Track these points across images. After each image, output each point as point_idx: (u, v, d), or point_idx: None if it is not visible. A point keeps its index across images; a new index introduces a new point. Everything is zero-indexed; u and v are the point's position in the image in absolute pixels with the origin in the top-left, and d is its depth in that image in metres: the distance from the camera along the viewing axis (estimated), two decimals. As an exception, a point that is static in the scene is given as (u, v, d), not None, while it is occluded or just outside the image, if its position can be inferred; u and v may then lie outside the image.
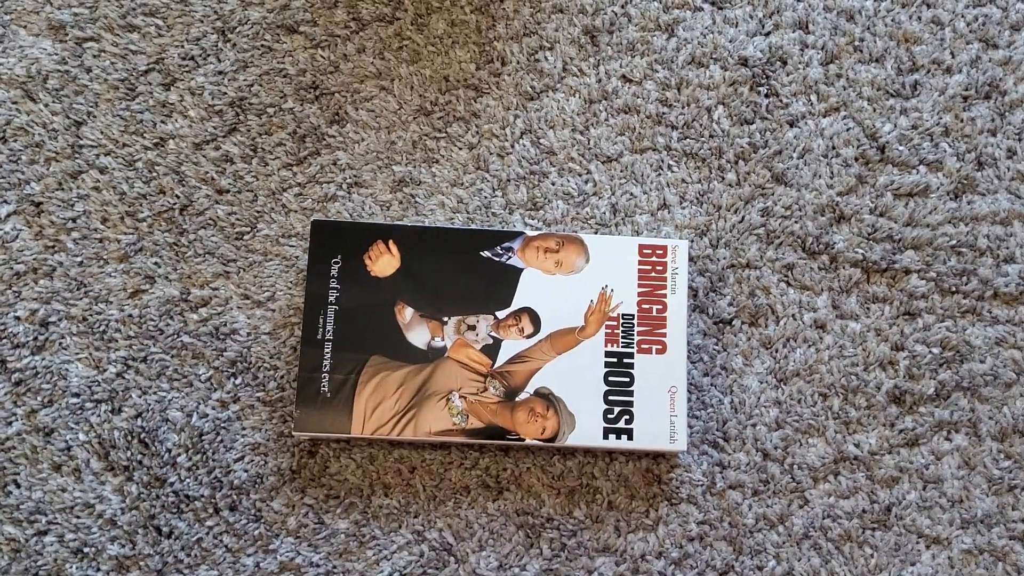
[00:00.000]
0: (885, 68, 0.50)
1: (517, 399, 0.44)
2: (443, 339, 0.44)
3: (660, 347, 0.45)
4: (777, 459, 0.46)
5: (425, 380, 0.44)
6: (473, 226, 0.48)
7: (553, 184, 0.49)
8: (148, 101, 0.50)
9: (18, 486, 0.46)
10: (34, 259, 0.48)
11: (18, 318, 0.47)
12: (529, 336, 0.45)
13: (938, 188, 0.49)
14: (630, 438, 0.44)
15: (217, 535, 0.46)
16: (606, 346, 0.44)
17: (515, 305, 0.45)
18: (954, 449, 0.46)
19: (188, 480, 0.46)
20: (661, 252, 0.46)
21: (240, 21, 0.50)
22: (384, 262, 0.45)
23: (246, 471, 0.46)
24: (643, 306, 0.45)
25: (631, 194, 0.49)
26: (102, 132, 0.49)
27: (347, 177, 0.49)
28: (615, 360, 0.44)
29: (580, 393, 0.44)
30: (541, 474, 0.46)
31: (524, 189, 0.49)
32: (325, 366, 0.44)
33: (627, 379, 0.44)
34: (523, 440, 0.43)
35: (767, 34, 0.50)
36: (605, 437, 0.44)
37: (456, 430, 0.43)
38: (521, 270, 0.45)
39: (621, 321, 0.45)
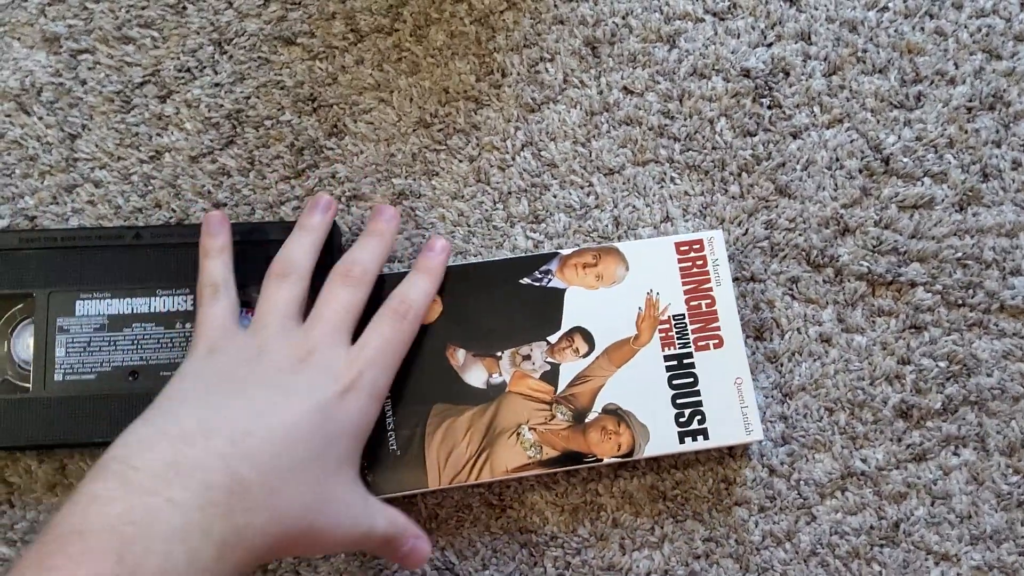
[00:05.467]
0: (888, 79, 0.49)
1: (586, 420, 0.43)
2: (500, 374, 0.43)
3: (717, 341, 0.44)
4: (783, 475, 0.46)
5: (492, 419, 0.43)
6: (503, 255, 0.48)
7: (555, 197, 0.48)
8: (144, 114, 0.49)
9: (12, 506, 0.45)
10: (27, 274, 0.47)
11: (11, 335, 0.46)
12: (585, 355, 0.44)
13: (943, 200, 0.48)
14: (706, 438, 0.43)
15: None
16: (663, 350, 0.44)
17: (565, 326, 0.44)
18: (962, 464, 0.46)
19: (185, 500, 0.45)
20: (698, 246, 0.45)
21: (237, 33, 0.50)
22: (431, 308, 0.44)
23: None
24: (691, 304, 0.44)
25: (633, 207, 0.48)
26: (97, 145, 0.49)
27: (346, 190, 0.49)
28: (675, 363, 0.44)
29: (648, 402, 0.43)
30: (544, 492, 0.46)
31: (525, 202, 0.48)
32: (389, 424, 0.43)
33: (691, 379, 0.43)
34: (601, 460, 0.42)
35: (769, 45, 0.50)
36: (681, 441, 0.43)
37: (533, 463, 0.42)
38: (564, 290, 0.44)
39: (673, 323, 0.44)
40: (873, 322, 0.47)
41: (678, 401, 0.43)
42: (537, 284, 0.44)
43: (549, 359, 0.43)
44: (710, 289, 0.44)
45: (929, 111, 0.49)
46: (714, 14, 0.50)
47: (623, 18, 0.50)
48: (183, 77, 0.50)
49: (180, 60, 0.50)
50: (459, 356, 0.44)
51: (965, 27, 0.50)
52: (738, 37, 0.50)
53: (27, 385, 0.43)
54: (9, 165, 0.48)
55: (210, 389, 0.37)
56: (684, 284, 0.45)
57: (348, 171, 0.49)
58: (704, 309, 0.44)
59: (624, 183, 0.49)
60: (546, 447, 0.42)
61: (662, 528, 0.45)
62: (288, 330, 0.40)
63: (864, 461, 0.46)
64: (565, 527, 0.45)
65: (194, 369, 0.39)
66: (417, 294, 0.43)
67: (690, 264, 0.45)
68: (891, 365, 0.47)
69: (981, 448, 0.46)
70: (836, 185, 0.48)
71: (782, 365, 0.47)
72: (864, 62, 0.50)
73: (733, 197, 0.49)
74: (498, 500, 0.45)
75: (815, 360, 0.47)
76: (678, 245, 0.45)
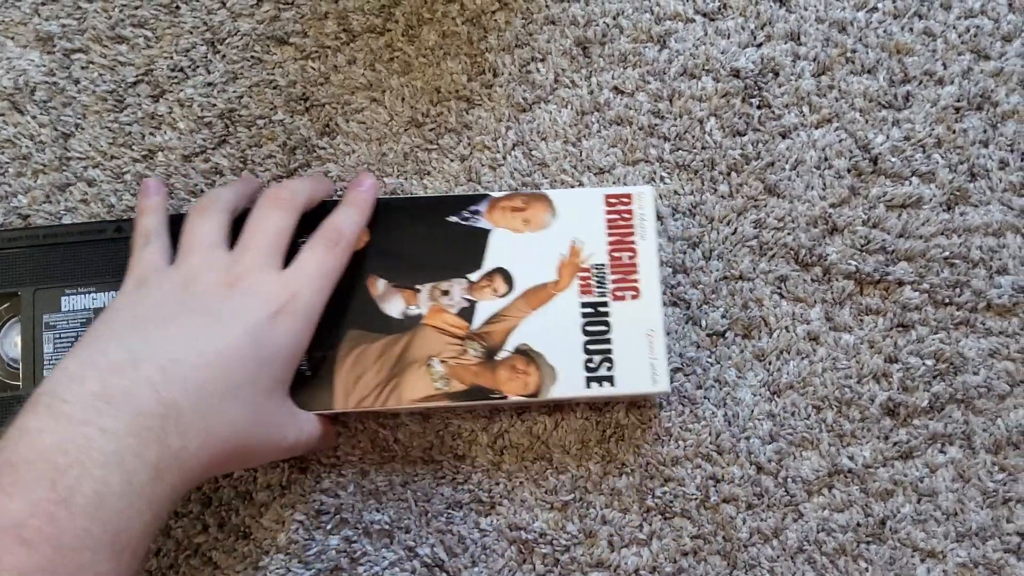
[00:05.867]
0: (877, 79, 0.50)
1: (497, 358, 0.43)
2: (418, 307, 0.44)
3: (634, 293, 0.44)
4: (771, 472, 0.46)
5: (404, 349, 0.43)
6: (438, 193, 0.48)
7: (545, 196, 0.49)
8: (137, 113, 0.49)
9: (4, 503, 0.46)
10: (21, 273, 0.47)
11: (5, 332, 0.47)
12: (503, 295, 0.44)
13: (931, 199, 0.49)
14: (612, 384, 0.43)
15: (205, 552, 0.45)
16: (581, 297, 0.44)
17: (486, 266, 0.44)
18: (948, 462, 0.46)
19: (177, 496, 0.45)
20: (627, 200, 0.45)
21: (230, 32, 0.50)
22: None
23: (235, 487, 0.46)
24: (614, 254, 0.45)
25: (623, 206, 0.49)
26: (90, 144, 0.49)
27: (338, 189, 0.49)
28: (591, 310, 0.44)
29: (559, 346, 0.44)
30: (534, 488, 0.46)
31: (516, 201, 0.49)
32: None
33: (604, 327, 0.44)
34: (506, 398, 0.43)
35: (759, 45, 0.50)
36: (588, 386, 0.43)
37: (439, 395, 0.43)
38: (489, 231, 0.45)
39: (593, 271, 0.45)
40: (861, 320, 0.48)
41: (589, 347, 0.44)
42: (464, 223, 0.45)
43: (467, 296, 0.44)
44: (634, 243, 0.45)
45: (917, 111, 0.49)
46: (704, 14, 0.51)
47: (614, 18, 0.50)
48: (176, 76, 0.50)
49: (173, 59, 0.50)
50: (379, 286, 0.44)
51: (954, 28, 0.50)
52: (728, 37, 0.50)
53: (17, 383, 0.44)
54: (2, 164, 0.49)
55: (138, 320, 0.37)
56: (609, 235, 0.45)
57: (340, 170, 0.49)
58: (625, 261, 0.45)
59: (614, 183, 0.49)
60: (454, 380, 0.43)
61: (650, 525, 0.46)
62: (215, 257, 0.40)
63: (851, 459, 0.46)
64: (554, 524, 0.46)
65: (122, 303, 0.39)
66: (348, 224, 0.43)
67: (617, 216, 0.45)
68: (878, 363, 0.47)
69: (967, 446, 0.46)
70: (825, 184, 0.49)
71: (770, 363, 0.47)
72: (853, 62, 0.50)
73: (722, 196, 0.49)
74: (488, 496, 0.46)
75: (803, 358, 0.47)
76: (607, 197, 0.46)
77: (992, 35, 0.50)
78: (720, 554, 0.45)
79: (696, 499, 0.46)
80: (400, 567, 0.45)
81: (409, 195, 0.48)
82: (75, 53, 0.50)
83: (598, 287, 0.44)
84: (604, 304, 0.44)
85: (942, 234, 0.48)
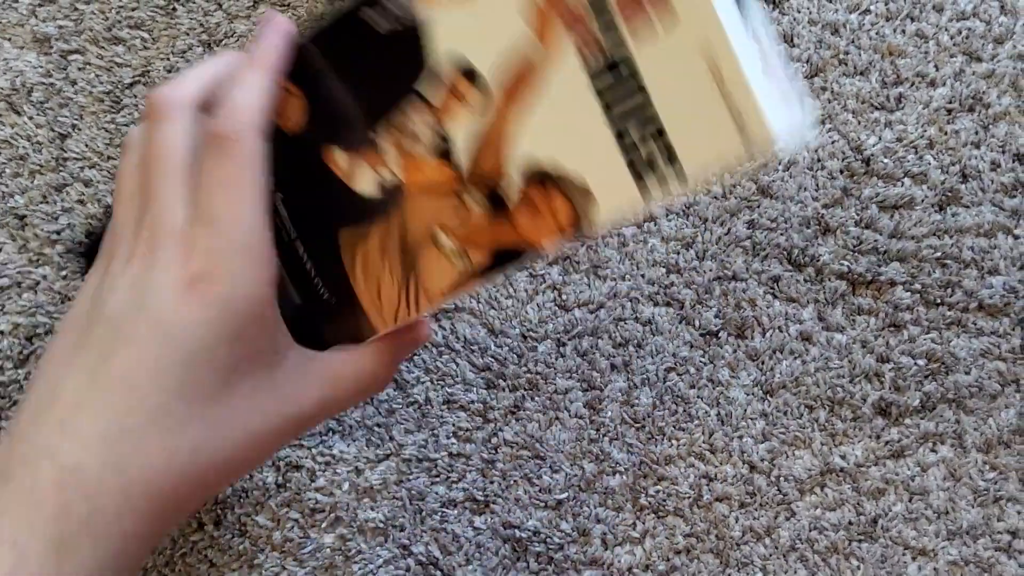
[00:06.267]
0: (870, 81, 0.50)
1: (507, 203, 0.30)
2: (389, 168, 0.32)
3: (664, 19, 0.26)
4: (764, 471, 0.46)
5: (402, 232, 0.32)
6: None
7: (539, 196, 0.49)
8: (133, 114, 0.50)
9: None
10: (18, 272, 0.48)
11: (2, 332, 0.47)
12: (480, 105, 0.30)
13: (923, 200, 0.49)
14: (678, 165, 0.27)
15: (201, 550, 0.45)
16: (583, 59, 0.27)
17: (439, 72, 0.30)
18: (940, 461, 0.47)
19: (172, 495, 0.46)
20: None
21: (226, 34, 0.50)
22: (293, 107, 0.33)
23: (231, 485, 0.46)
24: None
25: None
26: (87, 145, 0.49)
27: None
28: (606, 73, 0.27)
29: (579, 147, 0.28)
30: (528, 486, 0.46)
31: (510, 202, 0.49)
32: (311, 269, 0.34)
33: (635, 90, 0.27)
34: (544, 248, 0.30)
35: (752, 47, 0.50)
36: (639, 182, 0.28)
37: (465, 275, 0.31)
38: (423, 23, 0.30)
39: (588, 14, 0.27)
40: (853, 321, 0.48)
41: (622, 131, 0.27)
42: (389, 24, 0.30)
43: (437, 128, 0.31)
44: None
45: (910, 112, 0.50)
46: (698, 16, 0.51)
47: (608, 20, 0.51)
48: (173, 78, 0.50)
49: (170, 61, 0.50)
50: (340, 160, 0.33)
51: (946, 30, 0.51)
52: (721, 39, 0.51)
53: None
54: None
55: (55, 353, 0.31)
56: None
57: (335, 171, 0.49)
58: None
59: (608, 183, 0.49)
60: (472, 251, 0.31)
61: (644, 523, 0.46)
62: (127, 221, 0.31)
63: (843, 458, 0.46)
64: (548, 523, 0.46)
65: (57, 328, 0.33)
66: (241, 102, 0.31)
67: None
68: (870, 363, 0.47)
69: (958, 445, 0.47)
70: (817, 185, 0.49)
71: (763, 363, 0.47)
72: (846, 64, 0.50)
73: (715, 197, 0.49)
74: (482, 495, 0.46)
75: (796, 358, 0.48)
76: None
77: (984, 37, 0.51)
78: (713, 552, 0.46)
79: (689, 498, 0.46)
80: (394, 565, 0.45)
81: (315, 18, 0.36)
82: (72, 54, 0.50)
83: (605, 34, 0.27)
84: (623, 57, 0.27)
85: (934, 235, 0.49)
